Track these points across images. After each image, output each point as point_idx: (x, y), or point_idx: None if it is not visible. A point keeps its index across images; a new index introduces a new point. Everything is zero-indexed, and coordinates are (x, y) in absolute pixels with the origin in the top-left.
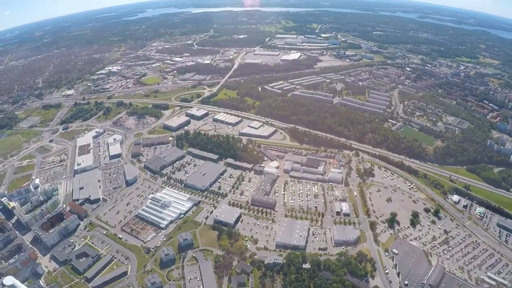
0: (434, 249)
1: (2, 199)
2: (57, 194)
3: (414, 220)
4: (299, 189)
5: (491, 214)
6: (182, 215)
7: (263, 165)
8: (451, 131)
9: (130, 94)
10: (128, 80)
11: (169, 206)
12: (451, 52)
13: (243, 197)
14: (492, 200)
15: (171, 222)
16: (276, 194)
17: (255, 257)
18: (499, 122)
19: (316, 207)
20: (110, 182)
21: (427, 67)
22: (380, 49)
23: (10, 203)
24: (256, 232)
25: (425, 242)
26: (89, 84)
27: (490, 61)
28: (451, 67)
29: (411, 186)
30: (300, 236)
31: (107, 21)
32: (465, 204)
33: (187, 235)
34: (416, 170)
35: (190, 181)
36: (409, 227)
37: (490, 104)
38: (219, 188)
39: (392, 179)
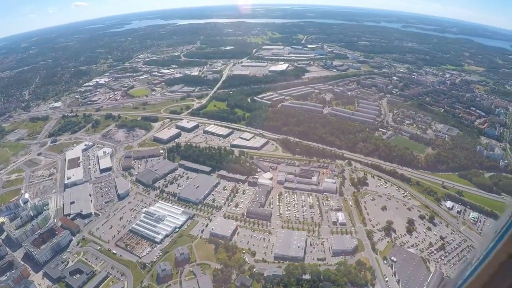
0: (432, 255)
1: None
2: (48, 209)
3: (410, 228)
4: (294, 200)
5: (485, 218)
6: (177, 229)
7: (257, 176)
8: (441, 138)
9: (118, 107)
10: (116, 92)
11: (163, 220)
12: (436, 61)
13: (238, 209)
14: (485, 204)
15: (166, 236)
16: (271, 205)
17: (254, 269)
18: (487, 128)
19: (312, 217)
20: (102, 196)
21: (413, 76)
22: (366, 59)
23: None
24: (254, 244)
25: (422, 248)
26: (77, 97)
27: (474, 68)
28: (437, 75)
29: (405, 194)
30: (298, 247)
31: (94, 33)
32: (458, 210)
33: (184, 249)
34: (409, 178)
35: (183, 194)
36: (405, 234)
37: (477, 110)
38: (213, 200)
39: (385, 187)
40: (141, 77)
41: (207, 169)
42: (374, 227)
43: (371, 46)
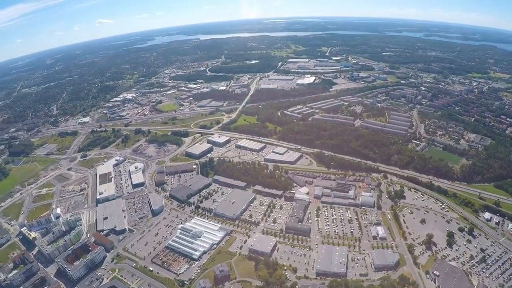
0: (473, 268)
1: (22, 229)
2: (80, 225)
3: (450, 240)
4: (332, 215)
5: None
6: (215, 246)
7: (293, 191)
8: (475, 148)
9: (147, 122)
10: (144, 107)
11: (200, 237)
12: (461, 69)
13: (276, 225)
14: None
15: (204, 253)
16: (310, 220)
17: (297, 286)
18: None
19: (351, 232)
20: (135, 211)
21: (441, 85)
22: (392, 69)
23: (30, 233)
24: (294, 261)
25: (464, 261)
26: (105, 112)
27: (500, 75)
28: (464, 84)
29: (443, 206)
30: (340, 262)
31: (118, 49)
32: (497, 221)
33: (223, 266)
34: (446, 189)
35: (219, 209)
36: (446, 247)
37: (507, 119)
38: (251, 216)
39: (423, 200)
40: (168, 92)
41: (242, 184)
42: (414, 240)
43: (396, 56)
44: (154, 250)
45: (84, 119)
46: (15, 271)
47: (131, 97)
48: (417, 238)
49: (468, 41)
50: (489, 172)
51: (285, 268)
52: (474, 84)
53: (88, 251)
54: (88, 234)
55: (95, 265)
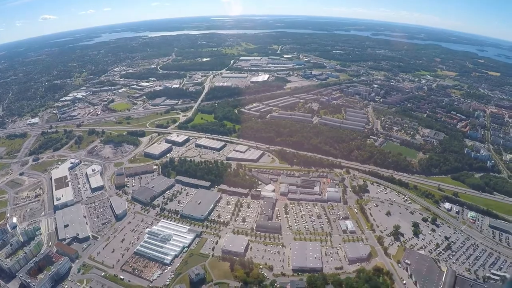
0: (440, 255)
1: None
2: (40, 234)
3: (416, 230)
4: (301, 211)
5: (482, 217)
6: (186, 248)
7: (259, 189)
8: (430, 143)
9: (100, 121)
10: (96, 107)
11: (170, 240)
12: (410, 67)
13: (246, 224)
14: (480, 204)
15: (176, 256)
16: (279, 218)
17: (276, 284)
18: (470, 131)
19: (321, 227)
20: (97, 217)
21: (391, 83)
22: (343, 67)
23: None
24: (269, 259)
25: (431, 250)
26: (55, 112)
27: (447, 73)
28: (413, 82)
29: (405, 198)
30: (315, 257)
31: (63, 46)
32: (457, 210)
33: (198, 269)
34: (407, 182)
35: (186, 211)
36: (412, 237)
37: (457, 114)
38: (219, 216)
39: (386, 193)
40: (120, 91)
41: (207, 184)
42: (382, 232)
43: (346, 54)
44: (122, 257)
45: (33, 120)
46: None
47: (81, 96)
48: (384, 230)
49: (414, 40)
50: (445, 165)
51: (261, 267)
52: (423, 81)
53: (52, 262)
54: (50, 244)
55: (60, 277)
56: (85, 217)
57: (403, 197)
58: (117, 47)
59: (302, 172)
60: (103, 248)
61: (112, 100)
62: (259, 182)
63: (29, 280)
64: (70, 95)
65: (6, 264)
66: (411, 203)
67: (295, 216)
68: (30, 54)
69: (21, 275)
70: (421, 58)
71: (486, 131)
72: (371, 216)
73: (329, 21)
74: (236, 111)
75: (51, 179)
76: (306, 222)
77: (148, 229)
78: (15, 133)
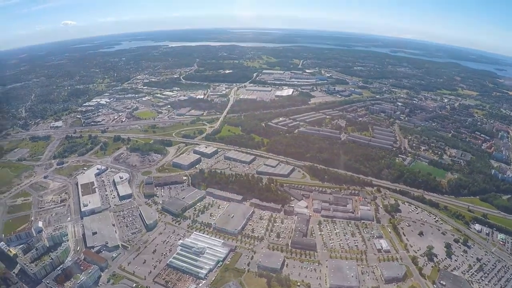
0: (473, 277)
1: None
2: (67, 240)
3: (449, 251)
4: (335, 229)
5: (511, 239)
6: (220, 262)
7: (292, 205)
8: (458, 163)
9: (125, 129)
10: (120, 114)
11: (203, 253)
12: (431, 85)
13: (280, 239)
14: (509, 226)
15: (210, 270)
16: (313, 235)
17: None
18: (495, 152)
19: (356, 245)
20: (127, 226)
21: (415, 101)
22: (365, 84)
23: (10, 249)
24: (306, 276)
25: (464, 271)
26: (78, 116)
27: (468, 92)
28: (436, 100)
29: (436, 218)
30: (352, 276)
31: (84, 52)
32: (487, 232)
33: (235, 284)
34: (437, 203)
35: (219, 224)
36: (445, 258)
37: (481, 135)
38: (253, 231)
39: (417, 213)
40: (144, 99)
41: (239, 197)
42: (416, 252)
43: (367, 71)
44: (154, 268)
45: (57, 124)
46: None
47: (104, 102)
48: (418, 250)
49: (433, 58)
50: (474, 186)
51: (298, 284)
52: (446, 100)
53: (80, 270)
54: (78, 250)
55: (89, 286)
56: (113, 225)
57: (434, 217)
58: (138, 55)
59: (334, 189)
60: (134, 259)
61: (137, 108)
62: (292, 198)
63: None
64: (93, 100)
65: (31, 270)
66: (442, 223)
67: (329, 234)
68: (51, 58)
69: (47, 281)
70: (441, 76)
71: (511, 152)
72: (404, 235)
73: (348, 36)
74: (263, 125)
75: (76, 184)
76: (340, 239)
77: (180, 241)
78: (38, 136)
